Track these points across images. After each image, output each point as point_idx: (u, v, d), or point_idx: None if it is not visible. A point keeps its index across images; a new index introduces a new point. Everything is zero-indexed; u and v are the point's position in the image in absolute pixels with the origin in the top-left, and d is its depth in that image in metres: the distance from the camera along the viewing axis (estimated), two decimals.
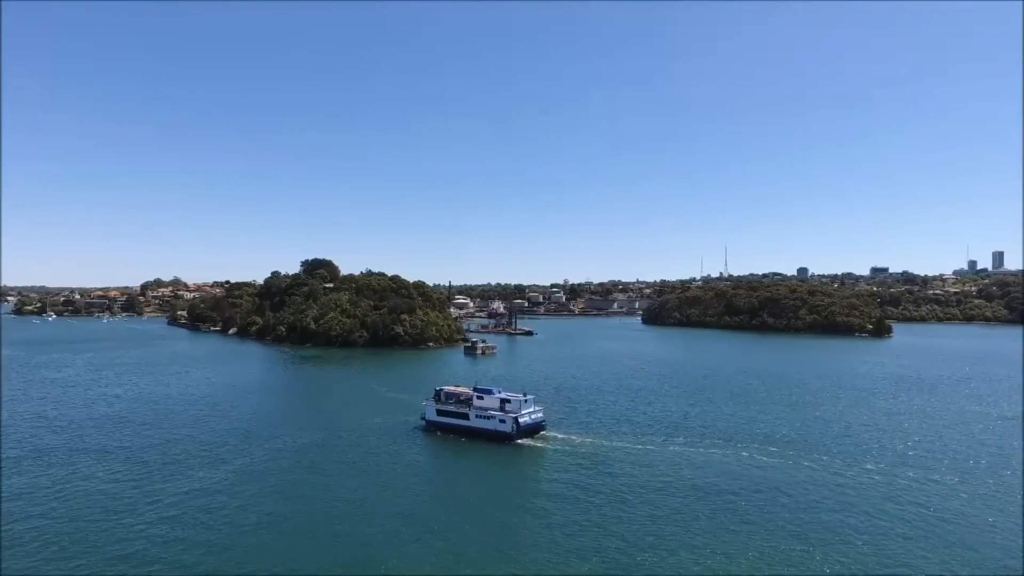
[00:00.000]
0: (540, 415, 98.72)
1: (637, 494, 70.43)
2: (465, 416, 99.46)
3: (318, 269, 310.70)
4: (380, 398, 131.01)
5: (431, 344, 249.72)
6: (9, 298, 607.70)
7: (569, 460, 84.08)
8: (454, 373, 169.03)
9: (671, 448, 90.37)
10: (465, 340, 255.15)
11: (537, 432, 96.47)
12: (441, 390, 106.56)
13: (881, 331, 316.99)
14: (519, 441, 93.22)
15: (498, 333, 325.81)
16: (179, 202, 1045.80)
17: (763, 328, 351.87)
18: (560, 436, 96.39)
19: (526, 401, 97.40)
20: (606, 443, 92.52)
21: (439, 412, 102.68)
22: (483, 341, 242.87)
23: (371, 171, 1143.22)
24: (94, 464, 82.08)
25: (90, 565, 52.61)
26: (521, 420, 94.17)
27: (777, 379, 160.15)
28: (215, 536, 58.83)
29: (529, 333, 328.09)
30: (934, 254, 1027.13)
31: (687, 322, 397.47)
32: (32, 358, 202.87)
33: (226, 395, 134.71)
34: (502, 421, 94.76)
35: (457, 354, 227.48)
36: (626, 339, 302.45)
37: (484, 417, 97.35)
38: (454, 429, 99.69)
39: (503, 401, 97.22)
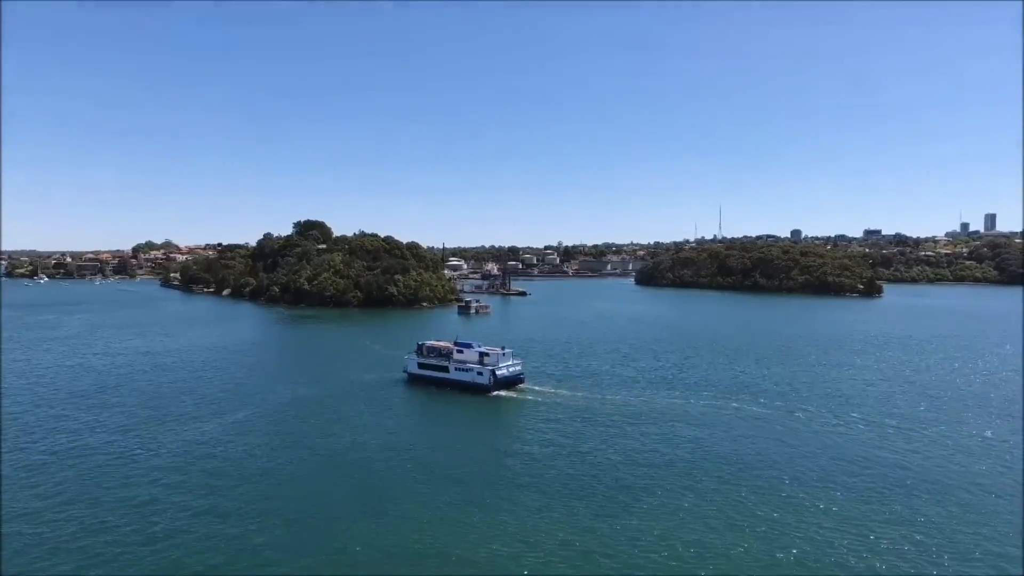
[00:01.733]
0: (518, 368, 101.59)
1: (610, 444, 72.31)
2: (445, 369, 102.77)
3: (311, 230, 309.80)
4: (374, 355, 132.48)
5: (425, 304, 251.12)
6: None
7: (545, 411, 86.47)
8: (448, 332, 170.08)
9: (655, 400, 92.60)
10: (459, 300, 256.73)
11: (515, 384, 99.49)
12: (423, 344, 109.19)
13: (871, 291, 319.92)
14: (497, 393, 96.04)
15: (492, 294, 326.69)
16: (170, 164, 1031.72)
17: (755, 288, 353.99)
18: (539, 388, 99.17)
19: (504, 354, 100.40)
20: (585, 395, 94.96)
21: (420, 365, 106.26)
22: (477, 301, 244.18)
23: (366, 134, 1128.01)
24: (94, 418, 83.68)
25: (93, 514, 53.97)
26: (498, 372, 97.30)
27: (767, 336, 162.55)
28: (216, 481, 60.66)
29: (523, 294, 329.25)
30: (927, 217, 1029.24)
31: (680, 283, 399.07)
32: (29, 319, 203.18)
33: (223, 353, 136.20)
34: (479, 373, 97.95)
35: (451, 314, 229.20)
36: (619, 300, 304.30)
37: (463, 370, 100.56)
38: (434, 381, 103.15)
39: (482, 354, 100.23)
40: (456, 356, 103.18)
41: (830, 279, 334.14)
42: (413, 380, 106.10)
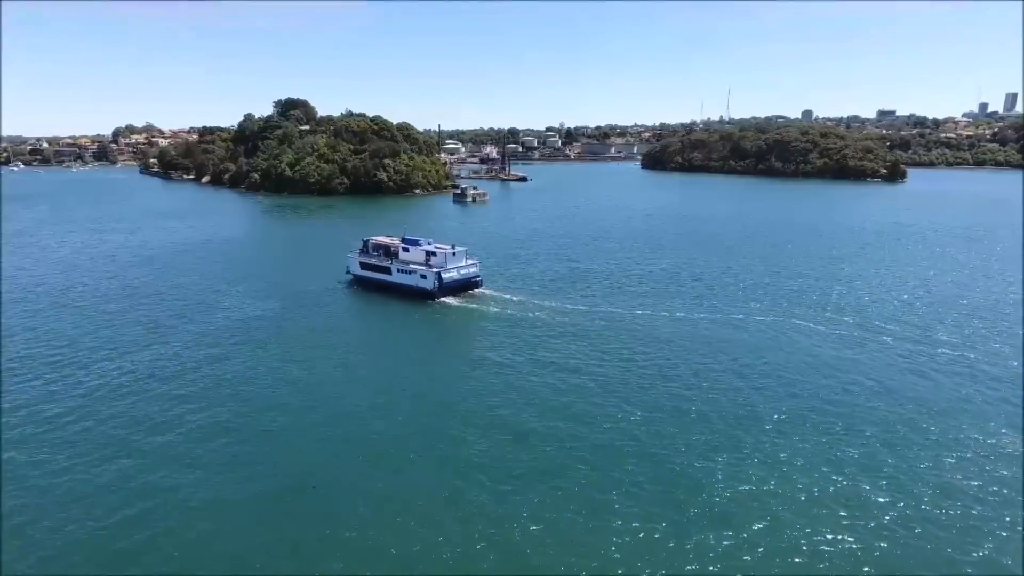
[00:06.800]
0: (473, 270, 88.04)
1: (560, 370, 57.59)
2: (387, 270, 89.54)
3: (292, 110, 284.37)
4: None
5: (418, 191, 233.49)
6: None
7: (493, 324, 71.88)
8: (440, 223, 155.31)
9: (631, 309, 77.25)
10: (455, 186, 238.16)
11: (468, 289, 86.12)
12: (368, 240, 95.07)
13: (895, 176, 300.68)
14: (445, 299, 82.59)
15: (491, 179, 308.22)
16: (152, 42, 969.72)
17: (770, 172, 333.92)
18: (495, 295, 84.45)
19: (454, 254, 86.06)
20: (550, 304, 79.56)
21: (363, 265, 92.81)
22: (474, 187, 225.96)
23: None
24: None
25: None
26: (445, 276, 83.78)
27: (801, 231, 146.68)
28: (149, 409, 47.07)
29: (523, 179, 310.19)
30: (943, 96, 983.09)
31: (689, 167, 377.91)
32: None
33: (186, 254, 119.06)
34: (423, 277, 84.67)
35: (446, 201, 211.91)
36: (625, 186, 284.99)
37: (406, 272, 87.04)
38: (376, 284, 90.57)
39: (428, 254, 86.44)
40: (401, 255, 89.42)
41: (851, 163, 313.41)
42: (356, 282, 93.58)
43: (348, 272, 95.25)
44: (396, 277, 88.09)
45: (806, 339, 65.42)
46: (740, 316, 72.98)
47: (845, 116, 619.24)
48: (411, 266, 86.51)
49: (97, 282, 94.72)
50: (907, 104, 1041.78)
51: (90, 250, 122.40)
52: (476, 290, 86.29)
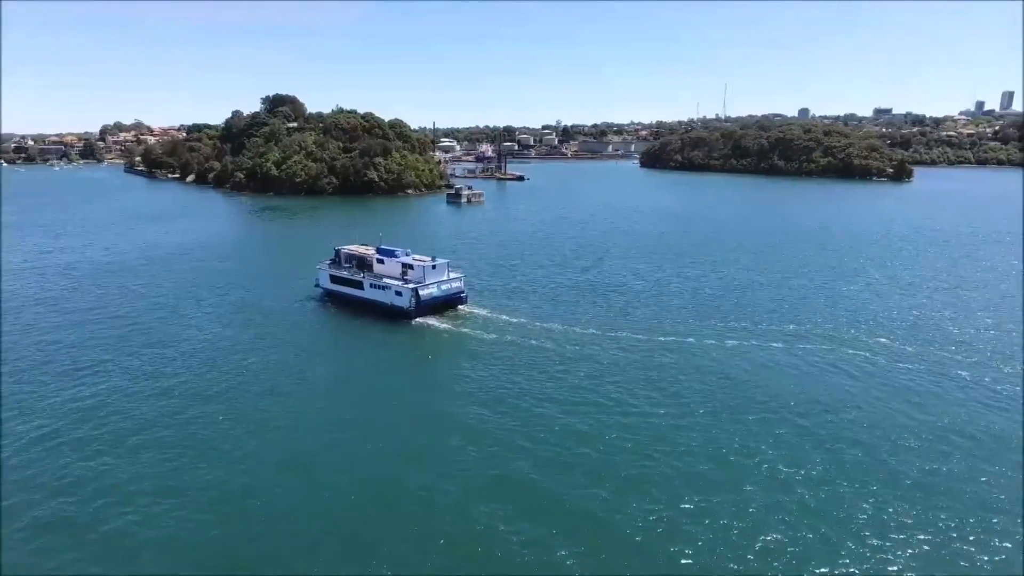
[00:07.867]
0: (456, 285, 78.03)
1: (572, 432, 46.30)
2: (359, 285, 79.56)
3: (280, 107, 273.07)
4: None
5: (410, 191, 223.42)
6: None
7: (484, 357, 60.79)
8: (432, 227, 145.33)
9: (652, 336, 66.39)
10: (449, 186, 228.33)
11: (450, 307, 76.38)
12: (340, 250, 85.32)
13: (901, 175, 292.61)
14: (427, 321, 72.75)
15: (486, 178, 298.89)
16: (145, 39, 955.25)
17: (773, 171, 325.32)
18: (490, 316, 74.02)
19: (434, 267, 76.10)
20: (555, 327, 69.23)
21: (333, 279, 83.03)
22: (469, 187, 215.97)
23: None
24: None
25: None
26: (423, 293, 73.89)
27: (805, 236, 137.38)
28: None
29: (520, 178, 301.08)
30: (939, 95, 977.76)
31: (690, 165, 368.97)
32: None
33: (150, 265, 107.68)
34: (398, 293, 74.84)
35: (439, 202, 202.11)
36: (626, 185, 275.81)
37: (379, 287, 77.10)
38: (348, 300, 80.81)
39: (405, 267, 76.91)
40: (376, 267, 79.85)
41: (856, 161, 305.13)
42: (327, 296, 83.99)
43: (317, 286, 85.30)
44: (368, 293, 78.15)
45: (867, 369, 56.06)
46: (779, 344, 62.88)
47: (842, 114, 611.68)
48: (385, 280, 76.62)
49: (42, 298, 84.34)
50: (903, 103, 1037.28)
51: (46, 259, 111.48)
52: (463, 308, 76.48)
